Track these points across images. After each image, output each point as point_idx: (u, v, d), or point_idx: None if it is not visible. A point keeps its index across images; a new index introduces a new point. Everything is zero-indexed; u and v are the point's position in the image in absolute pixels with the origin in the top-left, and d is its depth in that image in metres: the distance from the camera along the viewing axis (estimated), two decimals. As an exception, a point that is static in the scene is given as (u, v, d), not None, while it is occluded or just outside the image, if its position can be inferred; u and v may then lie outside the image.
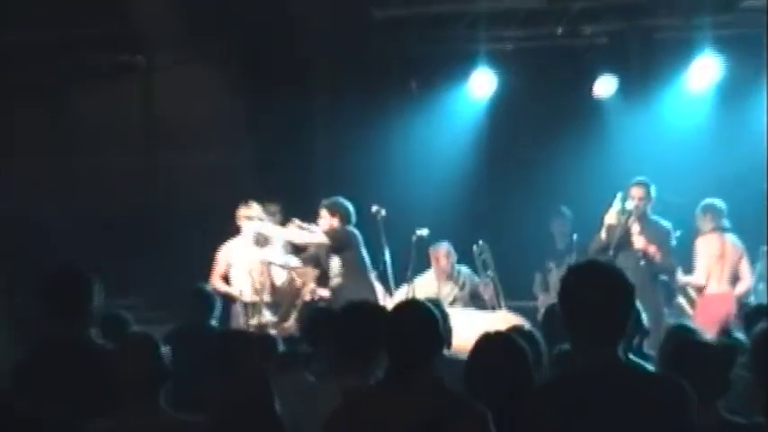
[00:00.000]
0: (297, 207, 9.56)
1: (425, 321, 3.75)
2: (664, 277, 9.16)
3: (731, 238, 9.22)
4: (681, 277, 9.17)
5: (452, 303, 9.42)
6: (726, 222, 9.24)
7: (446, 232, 9.82)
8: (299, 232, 9.06)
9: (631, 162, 9.90)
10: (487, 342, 4.46)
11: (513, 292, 9.66)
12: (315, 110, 11.42)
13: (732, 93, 10.39)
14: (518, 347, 4.43)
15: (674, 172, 9.61)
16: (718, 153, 10.20)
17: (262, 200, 9.50)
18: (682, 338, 4.46)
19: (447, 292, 9.70)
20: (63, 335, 4.78)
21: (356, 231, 9.04)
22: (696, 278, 9.19)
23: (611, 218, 8.93)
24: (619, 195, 9.01)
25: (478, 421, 3.58)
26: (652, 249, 8.86)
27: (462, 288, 9.76)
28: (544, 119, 10.82)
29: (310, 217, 9.16)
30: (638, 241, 8.88)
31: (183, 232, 10.42)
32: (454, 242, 9.83)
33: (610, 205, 9.00)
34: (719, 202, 9.29)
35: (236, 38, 10.92)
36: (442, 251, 9.74)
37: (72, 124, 11.18)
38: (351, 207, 9.09)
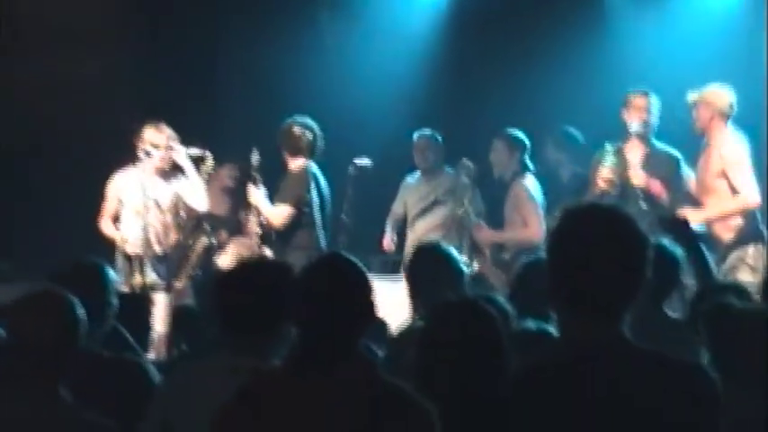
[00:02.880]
0: (204, 134, 8.26)
1: (350, 283, 3.31)
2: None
3: None
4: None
5: (427, 211, 8.28)
6: None
7: (394, 164, 8.54)
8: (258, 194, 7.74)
9: (639, 77, 8.14)
10: (444, 311, 3.71)
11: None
12: (222, 15, 9.74)
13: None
14: (485, 319, 3.69)
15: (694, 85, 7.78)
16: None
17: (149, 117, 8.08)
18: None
19: (425, 193, 8.42)
20: None
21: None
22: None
23: (606, 174, 7.42)
24: (607, 147, 7.47)
25: (420, 423, 3.23)
26: (656, 187, 7.30)
27: (449, 193, 8.35)
28: (524, 20, 9.26)
29: (222, 149, 8.09)
30: (638, 176, 7.36)
31: (55, 169, 8.92)
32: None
33: (598, 161, 7.47)
34: None
35: None
36: (423, 142, 8.43)
37: None
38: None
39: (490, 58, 9.39)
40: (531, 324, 4.12)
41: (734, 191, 7.34)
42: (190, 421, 3.60)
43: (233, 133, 9.32)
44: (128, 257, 7.75)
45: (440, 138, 8.50)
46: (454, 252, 5.04)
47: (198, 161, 8.19)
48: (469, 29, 9.51)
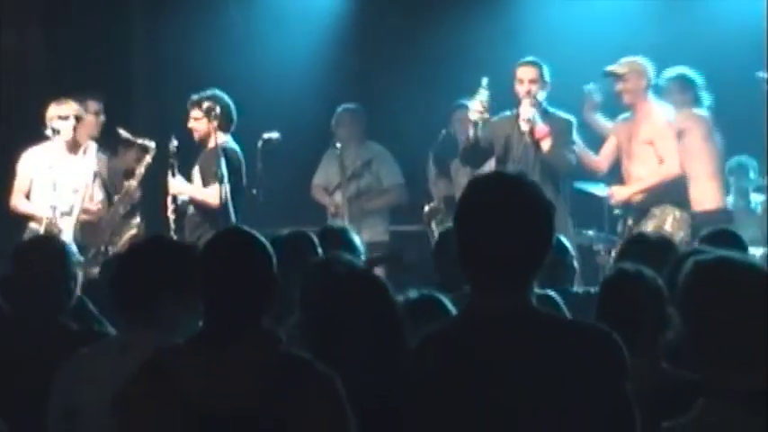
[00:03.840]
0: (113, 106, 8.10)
1: (249, 258, 3.30)
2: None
3: None
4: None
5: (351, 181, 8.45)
6: None
7: (304, 138, 8.48)
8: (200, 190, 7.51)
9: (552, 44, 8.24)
10: (337, 284, 3.77)
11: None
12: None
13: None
14: (380, 285, 3.77)
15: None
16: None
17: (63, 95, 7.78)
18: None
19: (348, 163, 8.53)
20: None
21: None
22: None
23: (478, 106, 7.36)
24: (483, 82, 7.38)
25: (324, 390, 3.22)
26: (542, 130, 7.25)
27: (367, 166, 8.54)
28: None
29: (132, 120, 7.99)
30: (525, 124, 7.32)
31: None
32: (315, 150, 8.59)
33: (472, 95, 7.46)
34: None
35: None
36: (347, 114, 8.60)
37: None
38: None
39: (395, 34, 9.26)
40: (413, 293, 4.05)
41: (660, 159, 7.52)
42: (90, 404, 3.54)
43: (144, 116, 9.12)
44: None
45: (362, 111, 8.57)
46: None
47: (141, 150, 7.93)
48: (375, 6, 9.40)
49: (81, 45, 9.03)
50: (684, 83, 7.93)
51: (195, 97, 7.56)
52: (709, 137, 7.85)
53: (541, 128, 7.23)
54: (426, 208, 8.21)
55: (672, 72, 7.94)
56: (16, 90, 8.50)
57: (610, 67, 7.64)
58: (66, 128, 7.58)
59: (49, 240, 4.58)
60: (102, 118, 8.11)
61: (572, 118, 7.52)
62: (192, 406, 3.14)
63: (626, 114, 7.74)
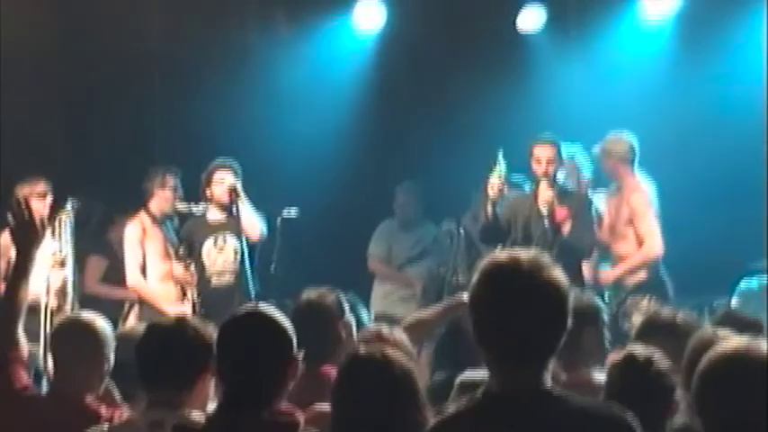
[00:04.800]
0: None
1: (268, 338, 3.43)
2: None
3: None
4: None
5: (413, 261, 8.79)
6: None
7: (320, 214, 8.58)
8: None
9: (563, 115, 8.76)
10: (356, 364, 3.85)
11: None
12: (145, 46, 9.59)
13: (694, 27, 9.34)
14: (400, 372, 3.81)
15: (617, 126, 8.23)
16: (675, 104, 9.01)
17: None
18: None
19: (406, 245, 8.84)
20: None
21: None
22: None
23: (495, 180, 7.50)
24: (500, 157, 7.55)
25: None
26: (561, 213, 7.44)
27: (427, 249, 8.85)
28: (453, 59, 9.59)
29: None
30: (544, 208, 7.50)
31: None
32: (332, 224, 8.85)
33: (491, 170, 7.57)
34: None
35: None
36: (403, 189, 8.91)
37: None
38: None
39: (418, 103, 9.72)
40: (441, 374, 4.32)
41: (639, 239, 7.72)
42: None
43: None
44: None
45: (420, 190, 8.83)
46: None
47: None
48: (397, 73, 9.79)
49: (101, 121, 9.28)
50: None
51: (210, 167, 7.62)
52: None
53: (560, 211, 7.38)
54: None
55: None
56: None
57: (596, 146, 7.90)
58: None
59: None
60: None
61: (589, 195, 7.77)
62: None
63: (613, 186, 8.01)
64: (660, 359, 4.03)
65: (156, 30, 9.32)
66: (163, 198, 7.71)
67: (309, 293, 5.35)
